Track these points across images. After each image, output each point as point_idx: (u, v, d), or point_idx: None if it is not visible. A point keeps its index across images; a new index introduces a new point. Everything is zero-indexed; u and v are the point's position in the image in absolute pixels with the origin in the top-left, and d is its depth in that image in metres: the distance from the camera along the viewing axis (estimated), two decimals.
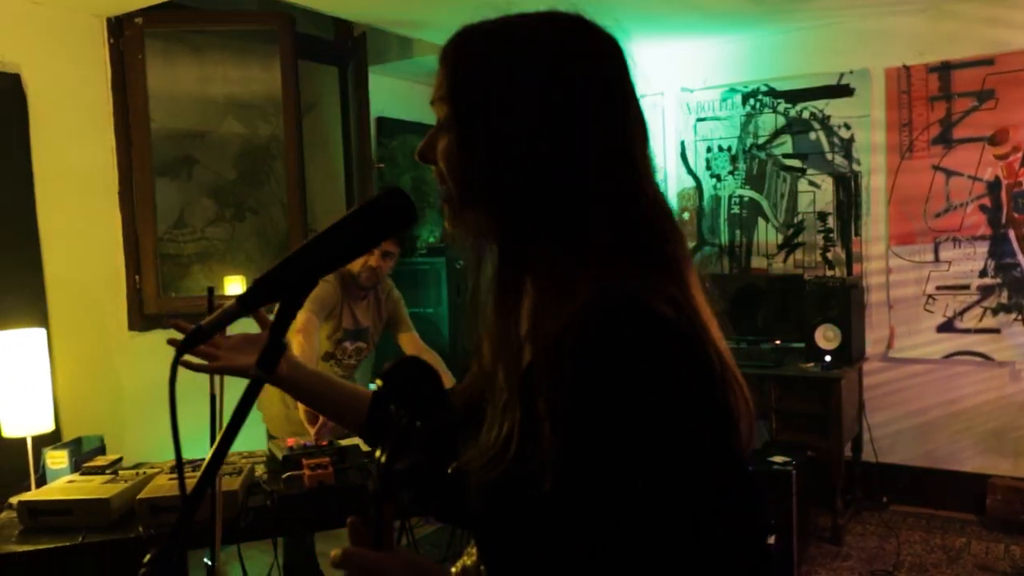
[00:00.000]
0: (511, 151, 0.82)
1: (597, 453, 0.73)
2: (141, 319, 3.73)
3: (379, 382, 0.76)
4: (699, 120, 5.08)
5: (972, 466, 4.39)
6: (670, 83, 5.10)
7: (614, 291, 0.76)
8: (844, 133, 4.65)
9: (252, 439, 2.95)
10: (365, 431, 1.21)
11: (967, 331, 4.39)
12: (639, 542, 0.72)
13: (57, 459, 2.55)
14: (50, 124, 3.35)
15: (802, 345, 4.37)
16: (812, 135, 4.75)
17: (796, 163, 4.81)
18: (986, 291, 4.33)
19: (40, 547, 2.07)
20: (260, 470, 2.49)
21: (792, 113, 4.79)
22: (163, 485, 2.24)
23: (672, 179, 5.19)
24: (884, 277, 4.59)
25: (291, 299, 0.83)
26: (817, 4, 4.21)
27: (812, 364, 4.22)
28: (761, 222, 4.94)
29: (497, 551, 0.85)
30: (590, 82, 0.84)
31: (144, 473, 2.39)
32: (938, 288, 4.45)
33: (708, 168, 5.08)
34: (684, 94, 5.10)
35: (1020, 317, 4.26)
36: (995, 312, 4.31)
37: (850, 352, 4.20)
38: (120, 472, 2.42)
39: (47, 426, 2.68)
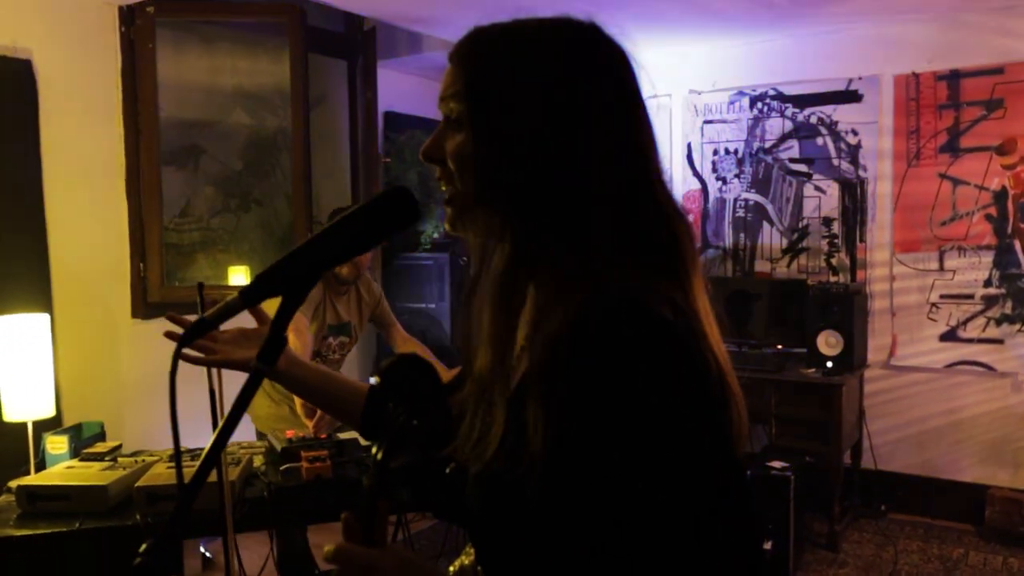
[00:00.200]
0: (525, 152, 0.83)
1: (592, 452, 0.74)
2: (144, 307, 3.74)
3: (377, 379, 0.76)
4: (706, 122, 5.07)
5: (971, 476, 4.39)
6: (678, 85, 5.10)
7: (613, 292, 0.77)
8: (851, 139, 4.64)
9: (242, 437, 2.95)
10: (361, 426, 1.22)
11: (970, 341, 4.38)
12: (635, 542, 0.72)
13: (57, 444, 2.56)
14: (59, 110, 3.36)
15: (804, 351, 4.36)
16: (819, 140, 4.74)
17: (802, 168, 4.80)
18: (990, 301, 4.33)
19: (38, 532, 2.08)
20: (258, 461, 2.50)
21: (800, 118, 4.78)
22: (161, 474, 2.24)
23: (677, 181, 5.18)
24: (888, 284, 4.59)
25: (293, 294, 0.83)
26: (828, 9, 4.20)
27: (813, 370, 4.21)
28: (766, 226, 4.93)
29: (494, 550, 0.85)
30: (602, 88, 0.85)
31: (143, 461, 2.40)
32: (942, 297, 4.45)
33: (714, 171, 5.08)
34: (692, 96, 5.09)
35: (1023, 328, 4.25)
36: (999, 322, 4.30)
37: (852, 359, 4.19)
38: (119, 459, 2.43)
39: (48, 411, 2.69)
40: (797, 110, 4.78)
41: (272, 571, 3.20)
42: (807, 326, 4.32)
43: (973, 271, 4.36)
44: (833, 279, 4.71)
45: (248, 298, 0.84)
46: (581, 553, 0.75)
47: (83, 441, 2.66)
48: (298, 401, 3.00)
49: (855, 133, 4.63)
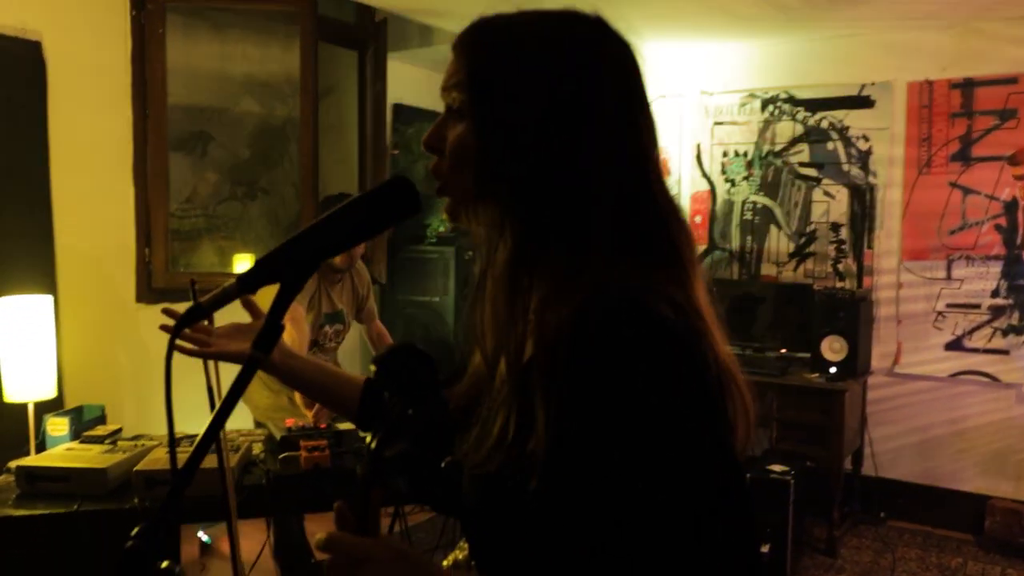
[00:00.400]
0: (525, 144, 0.82)
1: (591, 452, 0.73)
2: (149, 292, 3.74)
3: (373, 368, 0.76)
4: (716, 124, 5.05)
5: (972, 486, 4.37)
6: (690, 85, 5.08)
7: (613, 290, 0.76)
8: (862, 145, 4.62)
9: (242, 427, 2.95)
10: (359, 418, 1.22)
11: (975, 351, 4.36)
12: (632, 542, 0.72)
13: (58, 426, 2.57)
14: (68, 93, 3.36)
15: (807, 355, 4.35)
16: (830, 145, 4.72)
17: (812, 172, 4.78)
18: (997, 311, 4.30)
19: (36, 512, 2.09)
20: (257, 449, 2.50)
21: (811, 122, 4.76)
22: (160, 458, 2.24)
23: (686, 182, 5.17)
24: (894, 292, 4.57)
25: (291, 282, 0.82)
26: (843, 14, 4.18)
27: (816, 375, 4.20)
28: (773, 229, 4.91)
29: (488, 546, 0.85)
30: (605, 83, 0.84)
31: (142, 445, 2.40)
32: (948, 306, 4.42)
33: (723, 172, 5.06)
34: (703, 97, 5.07)
35: None
36: (1005, 333, 4.28)
37: (856, 365, 4.18)
38: (119, 443, 2.44)
39: (49, 393, 2.70)
40: (808, 114, 4.76)
41: (268, 559, 3.21)
42: (812, 331, 4.30)
43: (981, 281, 4.34)
44: (839, 285, 4.69)
45: (245, 284, 0.83)
46: (578, 552, 0.75)
47: (84, 424, 2.66)
48: (296, 394, 3.00)
49: (866, 139, 4.61)
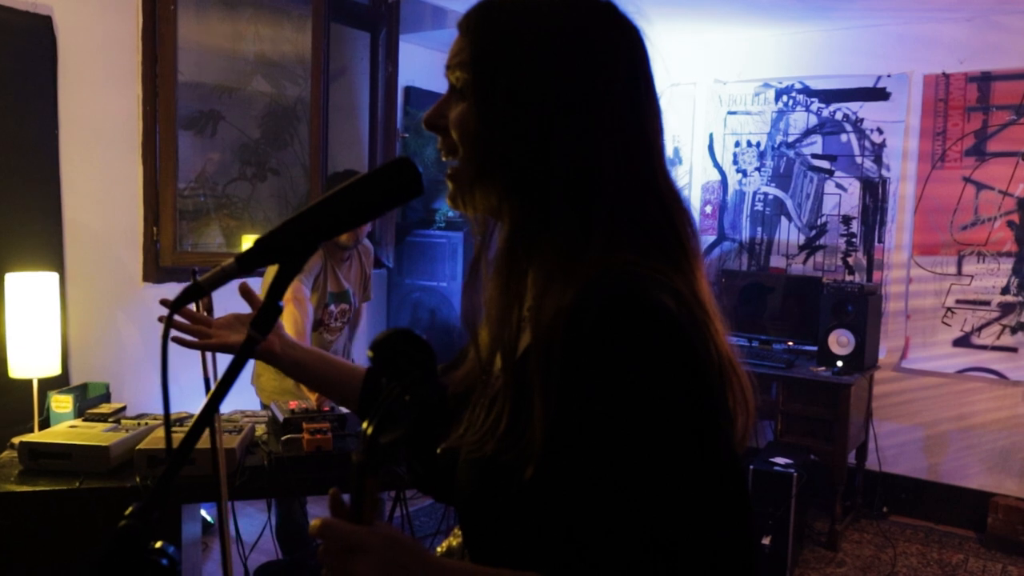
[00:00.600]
0: (528, 127, 0.81)
1: (587, 441, 0.73)
2: (156, 271, 3.74)
3: (371, 353, 0.74)
4: (730, 113, 5.01)
5: (976, 483, 4.36)
6: (704, 73, 5.04)
7: (613, 278, 0.75)
8: (876, 137, 4.58)
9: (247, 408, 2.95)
10: (360, 409, 1.21)
11: (983, 347, 4.33)
12: (627, 531, 0.71)
13: (62, 403, 2.57)
14: (78, 68, 3.35)
15: (815, 348, 4.33)
16: (843, 137, 4.67)
17: (824, 164, 4.74)
18: (1007, 308, 4.27)
19: (38, 488, 2.09)
20: (260, 430, 2.50)
21: (825, 113, 4.72)
22: (162, 437, 2.24)
23: (697, 171, 5.13)
24: (904, 286, 4.54)
25: (290, 262, 0.81)
26: (860, 4, 4.13)
27: (823, 368, 4.18)
28: (784, 221, 4.88)
29: (481, 533, 0.84)
30: (612, 67, 0.83)
31: (145, 424, 2.41)
32: (958, 302, 4.39)
33: (735, 162, 5.02)
34: (717, 86, 5.03)
35: None
36: (1014, 331, 4.25)
37: (863, 359, 4.15)
38: (122, 421, 2.44)
39: (54, 370, 2.70)
40: (823, 105, 4.72)
41: (269, 540, 3.22)
42: (819, 324, 4.28)
43: (991, 277, 4.30)
44: (849, 278, 4.66)
45: (244, 264, 0.82)
46: (573, 540, 0.74)
47: (88, 401, 2.67)
48: None
49: (880, 132, 4.56)
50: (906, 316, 4.53)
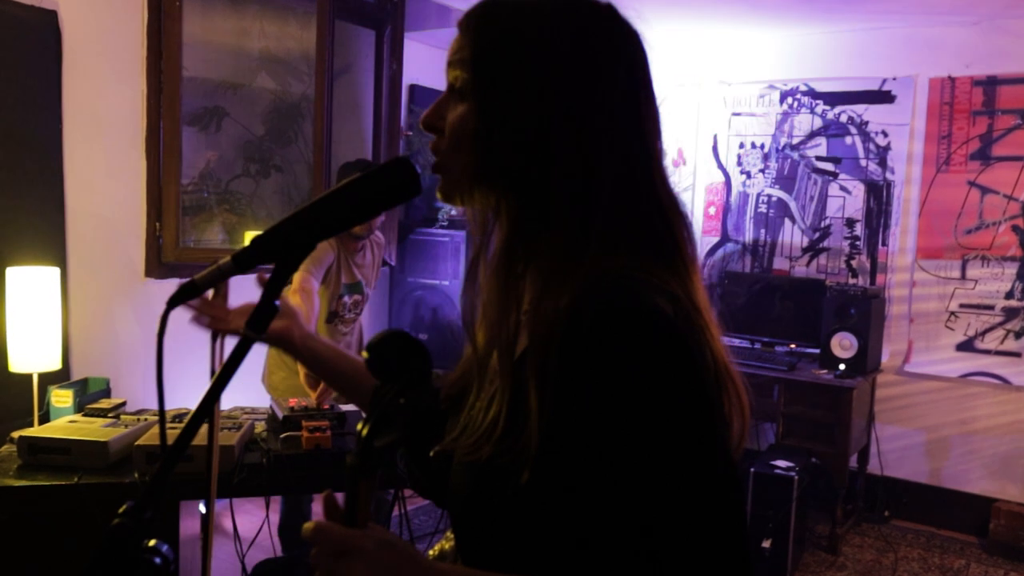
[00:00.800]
0: (526, 129, 0.80)
1: (583, 447, 0.72)
2: (159, 267, 3.74)
3: (365, 355, 0.74)
4: (734, 114, 5.00)
5: (978, 488, 4.34)
6: (708, 75, 5.02)
7: (610, 282, 0.75)
8: (881, 140, 4.57)
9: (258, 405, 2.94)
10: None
11: (987, 352, 4.31)
12: (616, 535, 0.71)
13: (62, 398, 2.57)
14: (83, 63, 3.35)
15: (817, 351, 4.32)
16: (848, 139, 4.66)
17: (829, 167, 4.73)
18: (1011, 313, 4.26)
19: (37, 483, 2.09)
20: (260, 427, 2.50)
21: (830, 115, 4.70)
22: None
23: (701, 172, 5.12)
24: (907, 290, 4.52)
25: (287, 262, 0.81)
26: (866, 7, 4.11)
27: (825, 371, 4.17)
28: (787, 223, 4.87)
29: (474, 536, 0.83)
30: (611, 71, 0.82)
31: (145, 420, 2.41)
32: (961, 306, 4.38)
33: (739, 164, 5.01)
34: (722, 87, 5.02)
35: None
36: (1018, 335, 4.24)
37: (865, 362, 4.14)
38: (122, 417, 2.44)
39: (54, 364, 2.70)
40: (828, 107, 4.71)
41: (267, 536, 3.21)
42: (822, 327, 4.27)
43: (995, 282, 4.29)
44: (852, 281, 4.65)
45: (241, 263, 0.82)
46: (567, 545, 0.74)
47: (88, 396, 2.67)
48: (301, 371, 2.99)
49: (885, 134, 4.55)
50: (909, 320, 4.52)
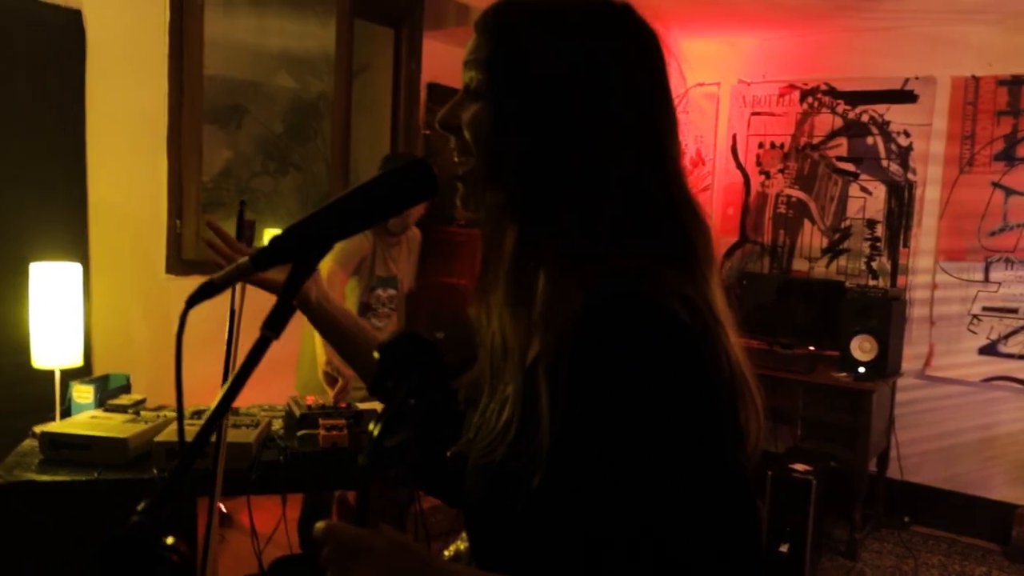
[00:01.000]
0: (540, 131, 0.80)
1: (595, 452, 0.72)
2: (179, 263, 3.76)
3: (377, 356, 0.74)
4: (754, 114, 4.97)
5: (1000, 494, 4.29)
6: (728, 74, 4.99)
7: (623, 286, 0.74)
8: (903, 140, 4.52)
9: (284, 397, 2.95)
10: (370, 388, 1.20)
11: (1010, 356, 4.26)
12: (628, 540, 0.70)
13: (83, 393, 2.60)
14: (106, 63, 3.38)
15: (836, 353, 4.28)
16: (869, 139, 4.62)
17: (849, 167, 4.69)
18: None
19: (57, 478, 2.11)
20: (277, 424, 2.51)
21: (851, 115, 4.66)
22: None
23: (720, 172, 5.10)
24: (929, 292, 4.47)
25: (304, 262, 0.81)
26: (888, 5, 4.08)
27: (845, 374, 4.13)
28: (807, 224, 4.83)
29: (487, 538, 0.83)
30: (627, 72, 0.82)
31: (164, 416, 2.42)
32: (984, 309, 4.33)
33: (758, 164, 4.98)
34: (741, 86, 4.99)
35: None
36: None
37: (885, 365, 4.10)
38: (142, 412, 2.46)
39: (76, 360, 2.72)
40: (849, 107, 4.67)
41: (283, 534, 3.23)
42: (842, 329, 4.23)
43: (1019, 285, 4.23)
44: (872, 283, 4.61)
45: (258, 263, 0.82)
46: (578, 549, 0.74)
47: (109, 392, 2.69)
48: (320, 366, 3.00)
49: (907, 134, 4.51)
50: (931, 322, 4.47)
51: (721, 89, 5.03)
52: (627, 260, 0.78)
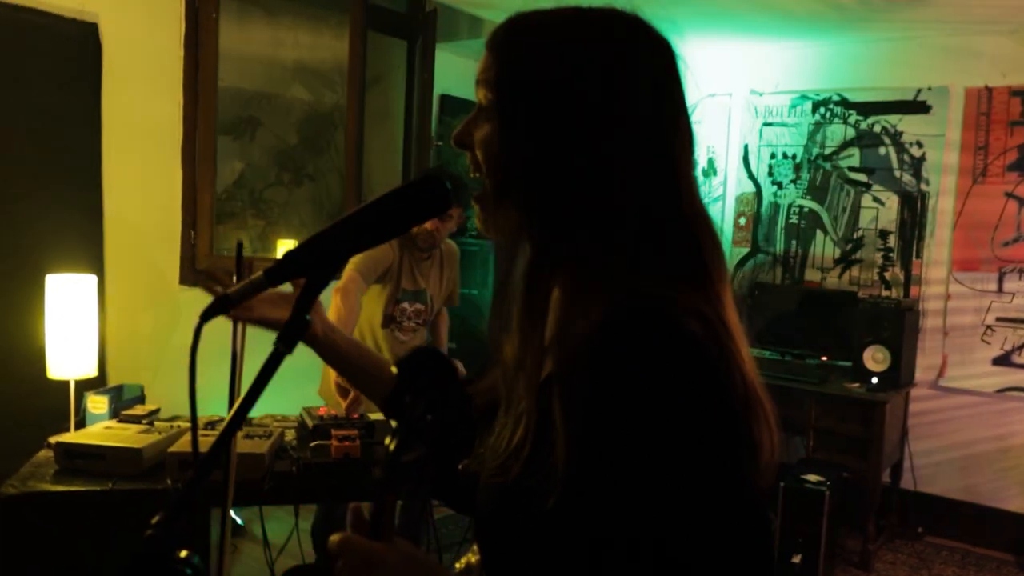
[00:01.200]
0: (551, 147, 0.80)
1: (610, 471, 0.72)
2: (193, 274, 3.79)
3: (394, 370, 0.75)
4: (766, 124, 4.97)
5: (1015, 505, 4.25)
6: (740, 84, 5.00)
7: (638, 303, 0.74)
8: (915, 151, 4.51)
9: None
10: (387, 407, 1.21)
11: None
12: (641, 561, 0.70)
13: (98, 404, 2.61)
14: (122, 75, 3.42)
15: (849, 364, 4.26)
16: (882, 150, 4.61)
17: (862, 177, 4.68)
18: None
19: (72, 488, 2.13)
20: (290, 435, 2.52)
21: (863, 126, 4.65)
22: None
23: (732, 183, 5.09)
24: (942, 303, 4.45)
25: (317, 278, 0.82)
26: (900, 15, 4.07)
27: (858, 385, 4.11)
28: (819, 234, 4.82)
29: (499, 555, 0.84)
30: (639, 87, 0.81)
31: (178, 427, 2.44)
32: (998, 320, 4.30)
33: (770, 174, 4.97)
34: (753, 97, 4.99)
35: None
36: None
37: (898, 376, 4.08)
38: (156, 423, 2.47)
39: (91, 371, 2.74)
40: (861, 118, 4.66)
41: (296, 544, 3.24)
42: (855, 340, 4.21)
43: None
44: (885, 294, 4.59)
45: (272, 278, 0.83)
46: (583, 567, 0.74)
47: (123, 402, 2.71)
48: (331, 379, 3.00)
49: (920, 145, 4.49)
50: (944, 333, 4.44)
51: (733, 99, 5.03)
52: (642, 278, 0.77)
